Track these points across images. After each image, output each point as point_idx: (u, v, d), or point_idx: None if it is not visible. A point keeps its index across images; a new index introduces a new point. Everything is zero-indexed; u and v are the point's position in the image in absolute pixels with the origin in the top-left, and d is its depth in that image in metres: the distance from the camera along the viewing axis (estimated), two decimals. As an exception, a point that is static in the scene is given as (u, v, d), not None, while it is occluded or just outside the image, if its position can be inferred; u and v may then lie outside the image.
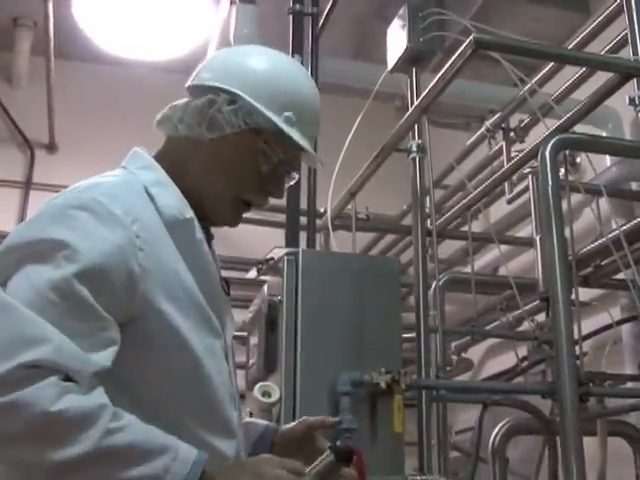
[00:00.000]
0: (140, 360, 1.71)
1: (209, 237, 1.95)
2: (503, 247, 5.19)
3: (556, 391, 2.89)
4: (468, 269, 5.10)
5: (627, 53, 3.47)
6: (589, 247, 4.49)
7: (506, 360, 5.53)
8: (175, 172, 1.88)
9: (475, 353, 6.24)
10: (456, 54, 3.13)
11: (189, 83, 1.96)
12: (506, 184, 5.16)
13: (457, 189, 5.91)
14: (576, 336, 3.43)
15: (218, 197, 1.89)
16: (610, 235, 4.06)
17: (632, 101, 3.29)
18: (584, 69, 4.18)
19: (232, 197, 1.90)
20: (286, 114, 1.86)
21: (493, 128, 5.28)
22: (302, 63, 3.79)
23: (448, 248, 6.16)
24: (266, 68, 1.92)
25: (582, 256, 4.40)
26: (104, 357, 1.62)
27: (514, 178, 5.06)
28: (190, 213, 1.83)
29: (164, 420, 1.66)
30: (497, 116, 5.21)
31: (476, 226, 5.47)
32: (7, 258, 1.65)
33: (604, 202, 4.88)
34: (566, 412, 2.82)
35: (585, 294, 4.44)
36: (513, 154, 4.97)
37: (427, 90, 3.49)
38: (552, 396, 3.14)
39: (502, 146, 5.12)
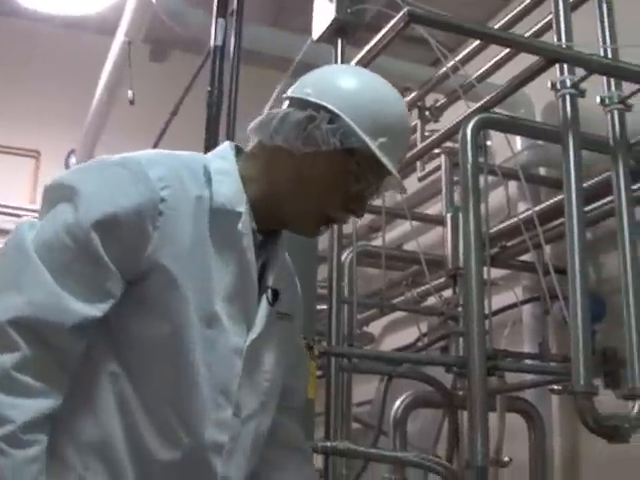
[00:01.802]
0: (136, 323, 1.75)
1: (270, 244, 1.98)
2: (408, 225, 5.25)
3: (466, 364, 2.95)
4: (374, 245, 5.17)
5: (549, 38, 3.55)
6: (498, 227, 4.59)
7: (405, 336, 5.62)
8: (261, 176, 1.92)
9: (375, 328, 6.31)
10: (388, 27, 3.15)
11: (289, 94, 1.97)
12: (418, 162, 5.21)
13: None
14: (486, 312, 3.51)
15: (303, 209, 1.92)
16: (522, 216, 4.14)
17: (554, 86, 3.36)
18: (505, 52, 4.26)
19: (316, 211, 1.93)
20: (381, 140, 1.87)
21: (408, 106, 5.31)
22: (226, 28, 3.73)
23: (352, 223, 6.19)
24: (368, 92, 1.93)
25: (490, 236, 4.48)
26: (95, 308, 1.69)
27: (425, 157, 5.13)
28: (242, 208, 1.85)
29: (147, 392, 1.74)
30: (413, 94, 5.25)
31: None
32: (45, 195, 1.79)
33: (512, 186, 5.01)
34: (474, 385, 2.89)
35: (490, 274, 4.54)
36: (427, 134, 5.02)
37: (354, 62, 3.50)
38: (462, 368, 3.20)
39: (416, 124, 5.16)
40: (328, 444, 2.77)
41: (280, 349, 1.95)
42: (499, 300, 4.80)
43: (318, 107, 1.87)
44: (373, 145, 1.86)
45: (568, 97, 3.37)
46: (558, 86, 3.34)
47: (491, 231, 4.55)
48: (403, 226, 5.77)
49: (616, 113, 3.62)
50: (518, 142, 5.03)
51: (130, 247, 1.72)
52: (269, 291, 1.91)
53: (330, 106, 1.87)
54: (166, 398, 1.76)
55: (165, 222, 1.74)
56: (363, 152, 1.87)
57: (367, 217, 5.87)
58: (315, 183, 1.89)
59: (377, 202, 4.92)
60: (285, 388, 2.05)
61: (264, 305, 1.89)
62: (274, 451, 2.06)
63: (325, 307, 3.33)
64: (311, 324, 3.10)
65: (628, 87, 3.73)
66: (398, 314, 5.88)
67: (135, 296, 1.75)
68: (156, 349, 1.75)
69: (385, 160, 1.88)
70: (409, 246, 5.63)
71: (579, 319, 3.38)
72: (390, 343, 6.22)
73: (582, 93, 3.38)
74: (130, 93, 5.18)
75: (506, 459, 3.60)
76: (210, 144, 3.37)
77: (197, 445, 1.77)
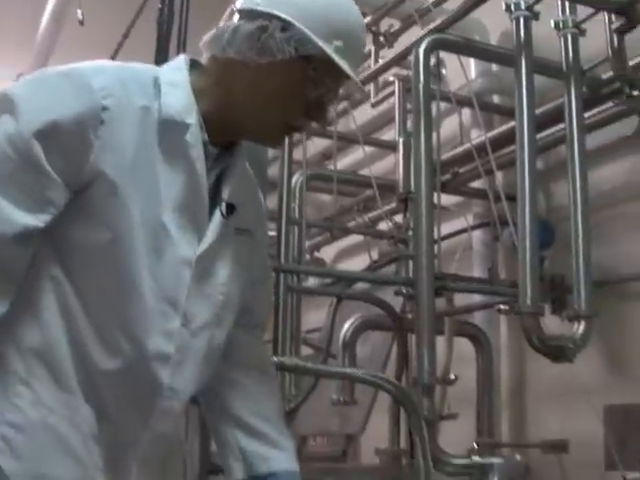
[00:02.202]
0: (78, 230, 1.73)
1: (227, 157, 1.93)
2: (362, 153, 5.24)
3: (414, 284, 2.97)
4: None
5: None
6: (451, 153, 4.60)
7: (357, 263, 5.62)
8: (214, 88, 1.88)
9: (326, 254, 6.32)
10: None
11: (239, 6, 1.90)
12: (372, 88, 5.19)
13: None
14: (436, 236, 3.54)
15: (264, 120, 1.88)
16: (474, 142, 4.15)
17: (508, 8, 3.35)
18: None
19: (277, 121, 1.89)
20: (336, 43, 1.83)
21: (363, 31, 5.26)
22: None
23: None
24: None
25: (442, 162, 4.50)
26: (36, 218, 1.67)
27: (380, 82, 5.11)
28: (192, 120, 1.81)
29: (89, 299, 1.72)
30: (368, 19, 5.19)
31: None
32: None
33: (466, 114, 5.01)
34: (422, 303, 2.92)
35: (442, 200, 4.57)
36: (380, 60, 4.99)
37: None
38: (410, 287, 3.22)
39: (370, 50, 5.12)
40: (275, 359, 2.78)
41: (238, 264, 1.93)
42: (450, 227, 4.86)
43: (269, 16, 1.82)
44: (329, 49, 1.83)
45: (522, 19, 3.37)
46: (512, 8, 3.33)
47: (443, 157, 4.57)
48: (357, 153, 5.75)
49: (570, 37, 3.63)
50: (472, 70, 5.02)
51: (72, 156, 1.69)
52: (223, 204, 1.89)
53: (281, 14, 1.82)
54: (108, 306, 1.75)
55: (107, 131, 1.71)
56: (319, 57, 1.83)
57: (320, 144, 5.86)
58: (273, 93, 1.86)
59: (330, 127, 4.93)
60: (246, 305, 2.03)
61: (217, 218, 1.87)
62: (235, 369, 2.06)
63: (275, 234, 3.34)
64: (266, 251, 3.08)
65: (583, 11, 3.74)
66: (349, 241, 5.90)
67: (78, 205, 1.72)
68: (97, 257, 1.73)
69: (342, 63, 1.84)
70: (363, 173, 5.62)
71: (527, 243, 3.42)
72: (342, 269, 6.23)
73: (536, 16, 3.38)
74: (79, 13, 5.07)
75: (452, 377, 3.64)
76: (160, 62, 3.31)
77: (140, 354, 1.76)
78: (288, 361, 2.81)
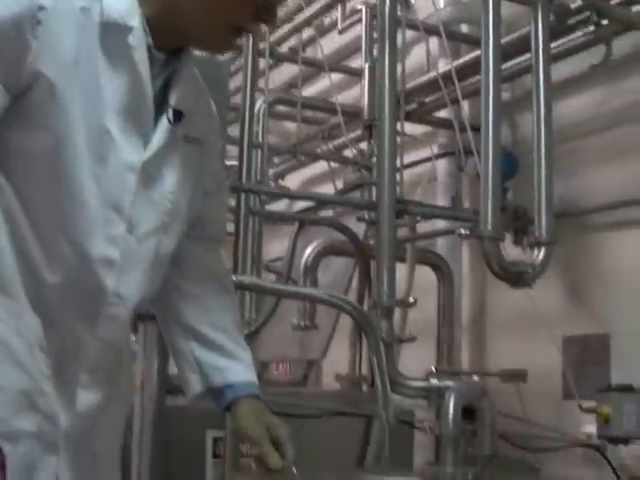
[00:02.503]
0: (18, 135, 1.69)
1: (175, 63, 1.87)
2: (329, 82, 5.19)
3: (376, 205, 2.96)
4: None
5: None
6: (417, 82, 4.57)
7: (322, 191, 5.59)
8: None
9: (291, 183, 6.29)
10: None
11: None
12: (339, 15, 5.15)
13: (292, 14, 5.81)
14: (399, 163, 3.53)
15: (210, 23, 1.82)
16: (440, 71, 4.13)
17: None
18: None
19: (225, 24, 1.83)
20: None
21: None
22: None
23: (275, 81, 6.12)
24: None
25: (408, 91, 4.47)
26: None
27: (348, 9, 5.06)
28: (135, 22, 1.75)
29: (32, 205, 1.69)
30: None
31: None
32: None
33: (434, 43, 4.98)
34: (383, 225, 2.91)
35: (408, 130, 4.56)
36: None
37: None
38: (372, 211, 3.20)
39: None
40: (234, 278, 2.76)
41: (187, 172, 1.89)
42: (416, 156, 4.85)
43: None
44: None
45: (490, -59, 3.32)
46: None
47: (409, 86, 4.54)
48: (324, 82, 5.68)
49: (538, -36, 3.59)
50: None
51: (10, 58, 1.64)
52: (170, 110, 1.84)
53: None
54: (51, 213, 1.71)
55: (45, 31, 1.65)
56: None
57: (286, 74, 5.81)
58: None
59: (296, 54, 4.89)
60: (198, 217, 2.01)
61: (163, 124, 1.82)
62: (190, 281, 2.04)
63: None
64: (220, 162, 3.06)
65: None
66: (314, 170, 5.86)
67: (18, 109, 1.68)
68: (38, 163, 1.69)
69: None
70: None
71: (490, 170, 3.42)
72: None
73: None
74: None
75: (411, 300, 3.66)
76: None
77: (84, 261, 1.73)
78: (247, 280, 2.81)
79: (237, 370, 1.99)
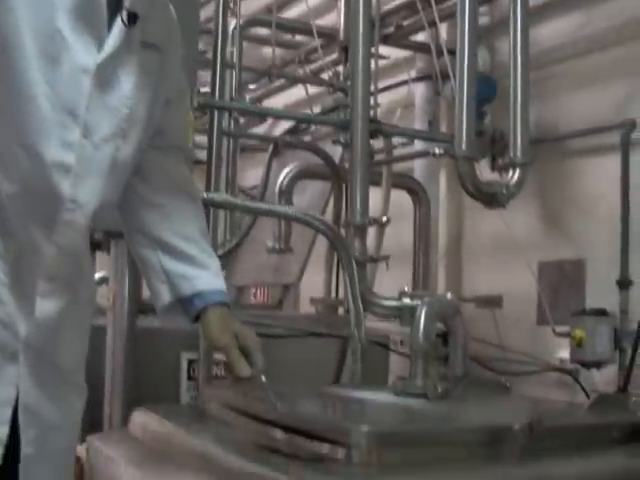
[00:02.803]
0: None
1: None
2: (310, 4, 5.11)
3: (349, 124, 2.93)
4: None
5: None
6: (394, 3, 4.51)
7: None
8: None
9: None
10: None
11: None
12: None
13: None
14: (373, 88, 3.48)
15: None
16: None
17: None
18: None
19: None
20: None
21: None
22: None
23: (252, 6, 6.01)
24: None
25: (385, 13, 4.42)
26: None
27: None
28: None
29: None
30: None
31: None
32: None
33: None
34: (356, 144, 2.88)
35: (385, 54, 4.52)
36: None
37: None
38: (346, 129, 3.17)
39: None
40: (205, 195, 2.73)
41: (145, 79, 1.85)
42: (394, 81, 4.81)
43: None
44: None
45: None
46: None
47: (386, 8, 4.50)
48: (301, 6, 5.57)
49: None
50: None
51: None
52: (124, 12, 1.78)
53: None
54: (4, 119, 1.69)
55: None
56: None
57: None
58: None
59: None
60: (159, 126, 1.97)
61: (118, 26, 1.77)
62: (155, 191, 2.01)
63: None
64: (191, 80, 3.01)
65: None
66: (290, 96, 5.77)
67: None
68: None
69: None
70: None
71: (465, 91, 3.40)
72: (283, 125, 6.14)
73: None
74: None
75: (384, 219, 3.64)
76: None
77: (39, 166, 1.71)
78: (217, 197, 2.77)
79: (205, 278, 1.96)
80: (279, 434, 1.92)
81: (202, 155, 3.56)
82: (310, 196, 4.31)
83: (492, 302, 4.37)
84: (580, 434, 1.99)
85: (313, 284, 4.52)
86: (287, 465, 1.75)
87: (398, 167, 4.41)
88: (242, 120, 4.86)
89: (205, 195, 2.76)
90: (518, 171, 3.47)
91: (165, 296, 1.98)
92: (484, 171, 4.02)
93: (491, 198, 3.33)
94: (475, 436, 1.85)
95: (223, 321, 1.93)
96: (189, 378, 3.34)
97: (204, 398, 2.52)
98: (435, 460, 1.74)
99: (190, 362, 3.33)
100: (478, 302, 4.40)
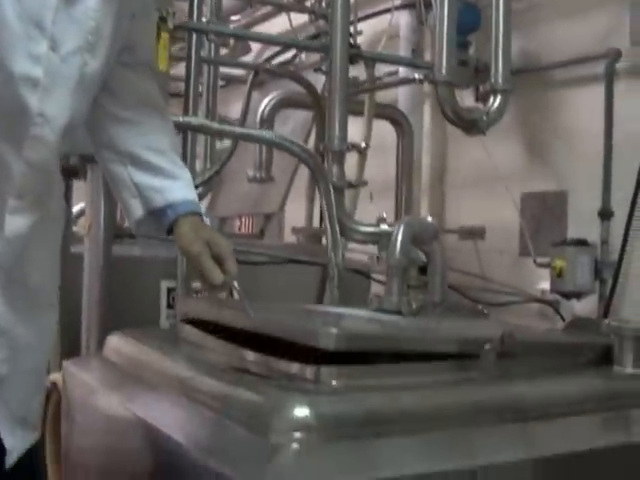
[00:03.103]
0: None
1: None
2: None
3: (329, 47, 2.89)
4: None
5: None
6: None
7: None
8: None
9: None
10: None
11: None
12: None
13: None
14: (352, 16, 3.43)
15: None
16: None
17: None
18: None
19: None
20: None
21: None
22: None
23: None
24: None
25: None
26: None
27: None
28: None
29: None
30: None
31: None
32: None
33: None
34: (335, 68, 2.84)
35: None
36: None
37: None
38: (325, 52, 3.11)
39: None
40: (181, 119, 2.69)
41: None
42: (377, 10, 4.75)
43: None
44: None
45: None
46: None
47: None
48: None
49: None
50: None
51: None
52: None
53: None
54: None
55: None
56: None
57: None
58: None
59: None
60: (127, 41, 1.95)
61: None
62: (124, 107, 1.99)
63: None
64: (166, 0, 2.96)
65: None
66: (273, 30, 5.69)
67: None
68: None
69: None
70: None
71: (445, 16, 3.35)
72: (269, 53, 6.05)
73: None
74: None
75: (363, 145, 3.61)
76: None
77: (6, 79, 1.68)
78: (194, 120, 2.73)
79: (176, 189, 1.96)
80: (250, 355, 1.92)
81: (181, 87, 3.52)
82: (292, 126, 4.27)
83: (475, 233, 4.37)
84: (551, 352, 1.99)
85: (298, 215, 4.51)
86: (257, 385, 1.75)
87: (383, 98, 4.37)
88: (225, 52, 4.83)
89: (181, 119, 2.72)
90: (499, 97, 3.44)
91: (137, 210, 1.97)
92: (467, 101, 4.00)
93: (471, 125, 3.31)
94: (446, 346, 1.84)
95: (195, 230, 1.92)
96: (168, 306, 3.34)
97: (179, 316, 2.52)
98: (404, 372, 1.74)
99: (169, 290, 3.32)
100: (461, 233, 4.40)
